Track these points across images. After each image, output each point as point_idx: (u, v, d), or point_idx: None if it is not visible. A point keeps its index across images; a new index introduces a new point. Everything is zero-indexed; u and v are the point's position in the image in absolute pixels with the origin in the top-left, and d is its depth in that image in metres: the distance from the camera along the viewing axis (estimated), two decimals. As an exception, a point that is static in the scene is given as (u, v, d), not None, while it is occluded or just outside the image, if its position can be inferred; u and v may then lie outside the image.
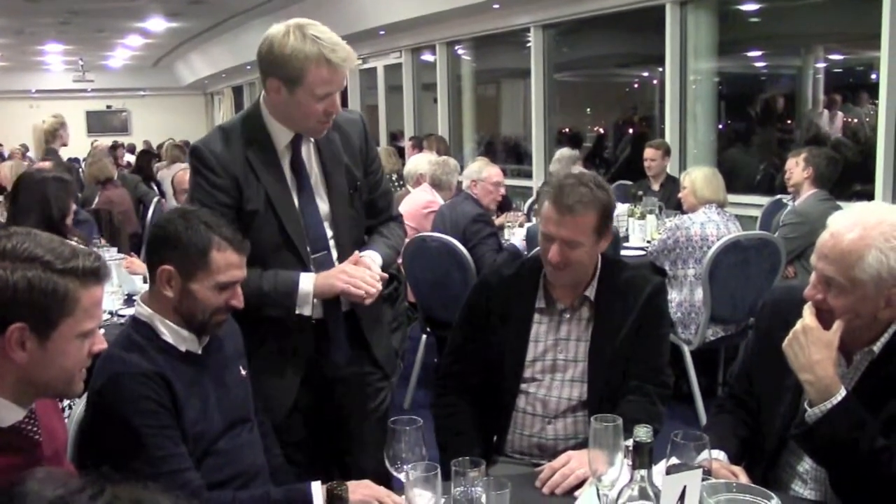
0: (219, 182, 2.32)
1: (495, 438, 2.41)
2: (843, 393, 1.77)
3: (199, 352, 1.99)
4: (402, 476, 1.67)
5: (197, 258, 1.92)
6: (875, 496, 1.74)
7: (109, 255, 4.13)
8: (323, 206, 2.45)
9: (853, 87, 9.49)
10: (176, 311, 1.94)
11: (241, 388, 2.09)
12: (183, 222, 1.94)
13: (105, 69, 21.51)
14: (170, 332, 1.95)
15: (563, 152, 6.49)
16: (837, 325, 1.80)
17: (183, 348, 1.95)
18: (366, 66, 13.11)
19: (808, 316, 1.84)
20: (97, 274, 1.52)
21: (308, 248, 2.41)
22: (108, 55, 19.49)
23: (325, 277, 2.35)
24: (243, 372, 2.12)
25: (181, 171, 5.03)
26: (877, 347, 1.85)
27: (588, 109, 12.25)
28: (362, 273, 2.34)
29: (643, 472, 1.47)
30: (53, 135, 6.91)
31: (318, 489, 1.79)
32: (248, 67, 16.26)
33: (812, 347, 1.80)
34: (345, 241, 2.47)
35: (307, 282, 2.34)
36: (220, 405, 1.98)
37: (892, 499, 1.72)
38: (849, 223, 1.81)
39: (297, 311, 2.34)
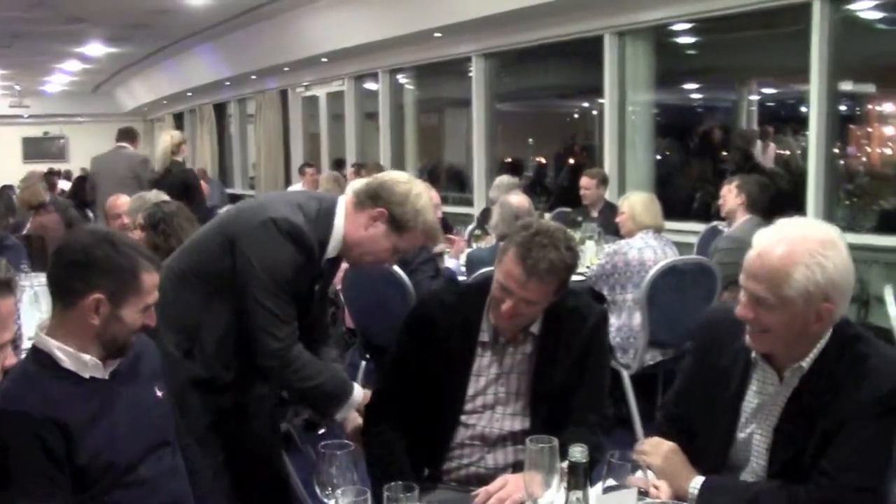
0: (302, 266, 2.39)
1: (429, 469, 2.35)
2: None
3: (107, 377, 1.91)
4: (331, 503, 1.63)
5: (130, 282, 1.86)
6: None
7: (38, 280, 3.99)
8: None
9: (785, 119, 9.77)
10: (98, 338, 1.86)
11: (159, 410, 2.01)
12: (110, 246, 1.86)
13: (42, 95, 21.05)
14: (70, 358, 1.84)
15: (503, 179, 6.51)
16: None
17: (86, 375, 1.86)
18: (308, 93, 13.09)
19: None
20: (8, 285, 1.52)
21: None
22: (45, 80, 19.08)
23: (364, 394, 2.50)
24: (159, 393, 2.04)
25: (113, 198, 4.93)
26: (805, 363, 1.86)
27: (530, 139, 12.37)
28: None
29: (579, 493, 1.45)
30: None
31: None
32: (189, 94, 16.11)
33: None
34: None
35: (358, 391, 2.48)
36: (136, 430, 1.90)
37: None
38: (774, 241, 1.82)
39: (337, 416, 2.47)
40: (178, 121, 18.45)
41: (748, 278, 1.85)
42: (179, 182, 6.61)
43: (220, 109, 16.40)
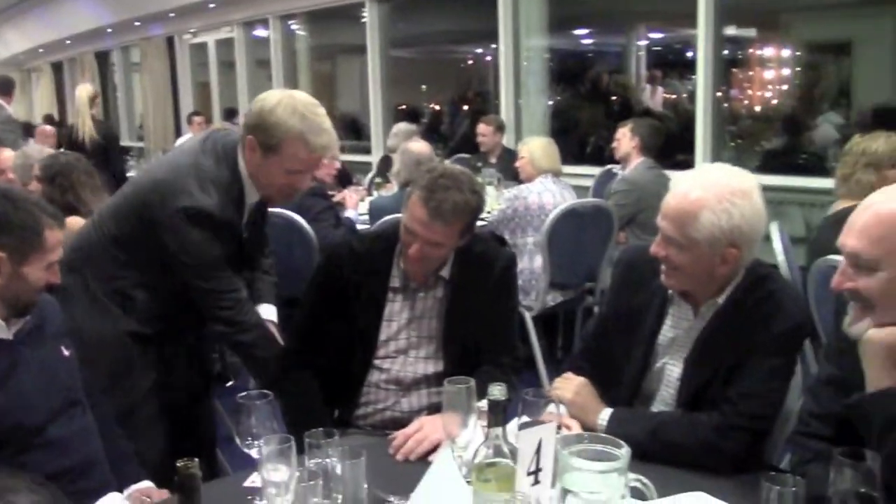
0: (224, 238, 2.40)
1: (342, 411, 2.38)
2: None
3: (11, 337, 1.86)
4: (253, 452, 1.63)
5: (32, 239, 1.81)
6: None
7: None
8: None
9: (672, 63, 10.03)
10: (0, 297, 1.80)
11: (66, 369, 1.97)
12: (9, 203, 1.81)
13: None
14: None
15: (401, 127, 6.47)
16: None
17: None
18: (196, 40, 12.63)
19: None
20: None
21: None
22: None
23: None
24: (66, 352, 2.00)
25: (6, 155, 4.67)
26: (721, 299, 1.95)
27: (425, 86, 12.33)
28: None
29: (498, 430, 1.49)
30: None
31: None
32: (69, 42, 15.30)
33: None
34: None
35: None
36: (43, 391, 1.86)
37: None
38: (688, 185, 1.90)
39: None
40: (58, 70, 17.54)
41: (662, 217, 1.93)
42: (102, 139, 6.41)
43: (102, 58, 15.64)
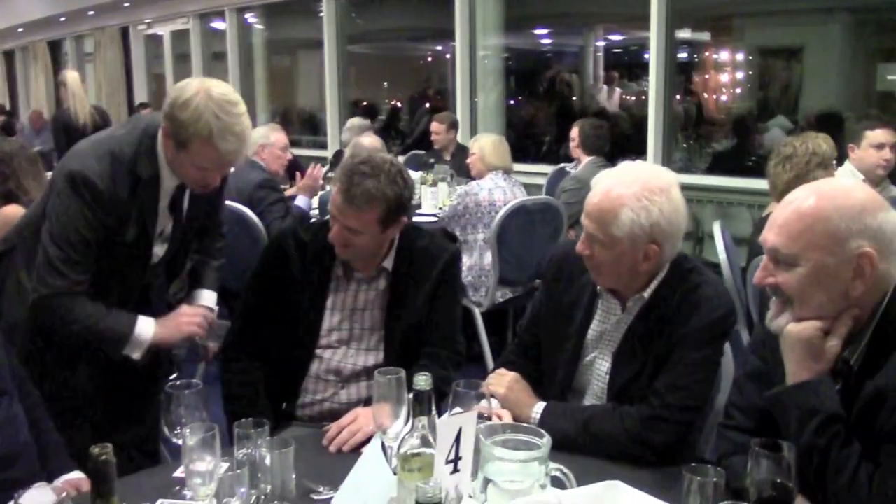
0: (106, 220, 2.25)
1: (286, 404, 2.38)
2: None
3: None
4: (179, 441, 1.62)
5: None
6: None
7: None
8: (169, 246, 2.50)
9: (628, 64, 10.14)
10: None
11: None
12: None
13: None
14: None
15: (354, 121, 6.47)
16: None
17: None
18: (150, 31, 12.47)
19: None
20: None
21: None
22: None
23: (166, 326, 2.37)
24: None
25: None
26: (647, 294, 1.98)
27: (386, 82, 12.30)
28: (204, 311, 2.50)
29: (424, 419, 1.50)
30: None
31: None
32: (20, 30, 15.00)
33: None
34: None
35: (146, 328, 2.32)
36: None
37: None
38: (608, 183, 1.93)
39: (123, 353, 2.32)
40: (9, 59, 17.17)
41: (585, 216, 1.96)
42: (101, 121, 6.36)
43: (55, 47, 15.36)
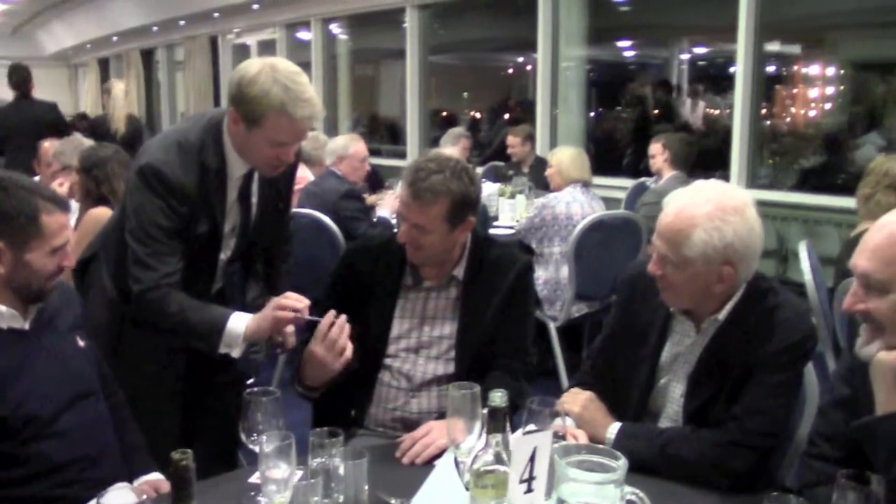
0: (179, 210, 2.27)
1: (356, 411, 2.38)
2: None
3: (27, 327, 1.88)
4: (255, 447, 1.64)
5: (28, 226, 1.81)
6: None
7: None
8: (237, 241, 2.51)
9: (714, 77, 9.94)
10: (7, 285, 1.82)
11: (81, 360, 1.99)
12: (1, 192, 1.81)
13: (-43, 36, 20.12)
14: None
15: (453, 131, 6.67)
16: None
17: (4, 326, 1.84)
18: (239, 41, 12.79)
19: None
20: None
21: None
22: (-41, 21, 18.26)
23: (263, 319, 2.28)
24: (81, 343, 2.02)
25: (48, 144, 4.77)
26: (722, 316, 1.93)
27: (465, 93, 12.35)
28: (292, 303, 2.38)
29: (498, 436, 1.49)
30: None
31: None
32: (115, 39, 15.57)
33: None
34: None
35: (238, 322, 2.26)
36: (57, 381, 1.88)
37: None
38: (681, 203, 1.89)
39: (221, 350, 2.28)
40: (104, 67, 17.85)
41: (657, 236, 1.92)
42: (128, 134, 6.57)
43: (147, 56, 15.91)
